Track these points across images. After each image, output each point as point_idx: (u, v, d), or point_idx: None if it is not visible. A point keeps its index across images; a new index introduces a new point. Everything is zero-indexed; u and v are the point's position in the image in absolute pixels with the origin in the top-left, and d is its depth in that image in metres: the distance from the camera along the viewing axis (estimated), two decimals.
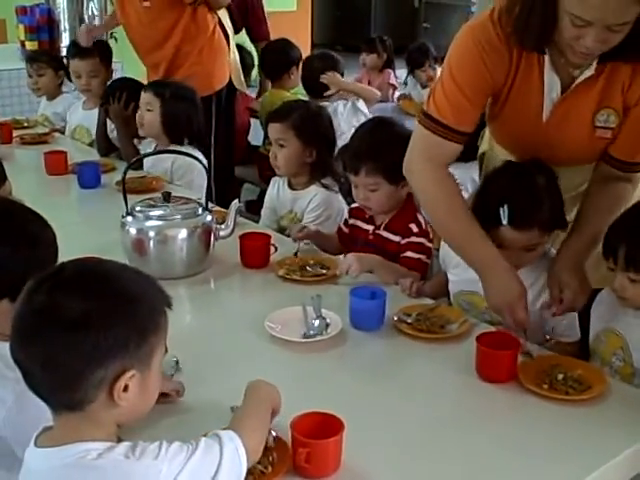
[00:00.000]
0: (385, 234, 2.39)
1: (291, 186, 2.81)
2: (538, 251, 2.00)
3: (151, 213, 2.26)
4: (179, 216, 2.26)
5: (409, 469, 1.45)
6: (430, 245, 2.35)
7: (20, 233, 1.46)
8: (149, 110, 3.14)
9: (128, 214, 2.28)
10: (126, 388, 1.14)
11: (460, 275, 2.14)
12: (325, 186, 2.72)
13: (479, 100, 1.94)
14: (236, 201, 2.37)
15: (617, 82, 1.84)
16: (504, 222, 1.90)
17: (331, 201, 2.71)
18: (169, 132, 3.14)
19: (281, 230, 2.75)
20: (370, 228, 2.43)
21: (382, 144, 2.32)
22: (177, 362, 1.74)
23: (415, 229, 2.34)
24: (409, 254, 2.31)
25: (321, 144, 2.72)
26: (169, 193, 2.32)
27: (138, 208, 2.28)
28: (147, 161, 3.20)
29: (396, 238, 2.36)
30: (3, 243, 1.42)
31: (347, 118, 4.25)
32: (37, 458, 1.16)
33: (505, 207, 1.89)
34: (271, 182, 2.93)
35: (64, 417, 1.16)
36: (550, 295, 1.96)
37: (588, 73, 1.83)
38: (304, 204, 2.73)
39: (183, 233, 2.25)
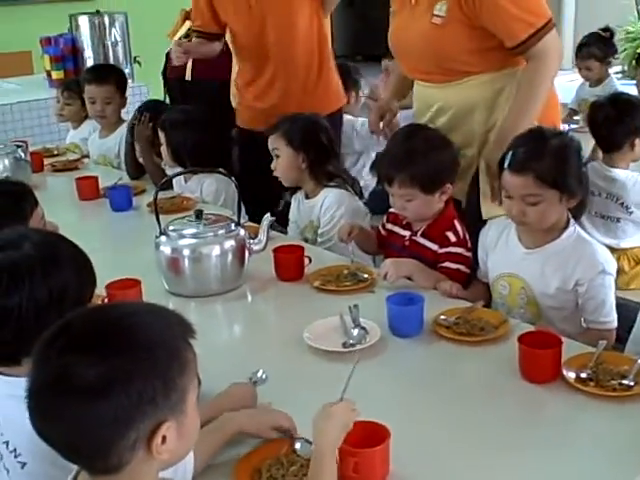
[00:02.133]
0: (421, 241, 2.37)
1: (307, 196, 2.84)
2: (541, 209, 1.99)
3: (184, 232, 2.27)
4: (212, 233, 2.27)
5: (458, 474, 1.43)
6: (469, 255, 2.32)
7: (70, 260, 1.43)
8: (162, 144, 3.18)
9: (162, 234, 2.29)
10: (164, 439, 1.05)
11: (500, 257, 2.16)
12: (335, 186, 2.74)
13: None
14: (268, 215, 2.37)
15: None
16: (505, 165, 2.03)
17: (342, 199, 2.72)
18: (179, 162, 3.15)
19: (306, 242, 2.75)
20: (407, 234, 2.42)
21: (415, 155, 2.29)
22: (263, 374, 1.71)
23: (453, 238, 2.32)
24: (447, 264, 2.29)
25: (310, 149, 2.74)
26: (201, 211, 2.33)
27: (172, 227, 2.29)
28: (176, 189, 3.23)
29: (433, 246, 2.34)
30: (59, 272, 1.39)
31: (363, 138, 3.88)
32: None
33: (510, 153, 2.04)
34: (293, 198, 2.96)
35: (101, 478, 1.08)
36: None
37: None
38: (318, 209, 2.76)
39: (217, 250, 2.26)
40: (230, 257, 2.28)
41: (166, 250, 2.27)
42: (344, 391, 1.45)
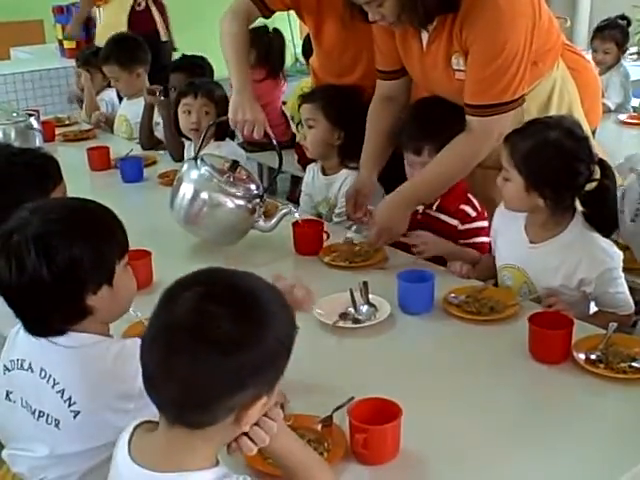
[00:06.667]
0: (438, 215, 2.35)
1: (324, 172, 2.80)
2: (510, 189, 1.98)
3: (210, 171, 2.30)
4: (233, 189, 2.29)
5: (467, 452, 1.43)
6: (487, 225, 2.32)
7: (113, 226, 1.47)
8: (207, 113, 3.06)
9: (195, 159, 2.34)
10: (249, 407, 1.09)
11: (506, 246, 2.14)
12: (355, 168, 2.69)
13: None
14: (291, 207, 2.40)
15: (453, 31, 2.12)
16: None
17: None
18: (219, 132, 3.10)
19: (319, 216, 2.74)
20: (419, 208, 2.38)
21: (443, 122, 2.26)
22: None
23: (472, 213, 2.32)
24: (483, 239, 2.31)
25: (350, 126, 2.66)
26: (237, 162, 2.36)
27: (206, 161, 2.33)
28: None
29: (453, 221, 2.33)
30: (105, 236, 1.43)
31: None
32: (134, 476, 1.12)
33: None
34: (307, 169, 2.92)
35: (175, 432, 1.10)
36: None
37: (434, 24, 2.15)
38: (337, 189, 2.72)
39: (230, 203, 2.28)
40: (236, 216, 2.30)
41: (187, 181, 2.32)
42: None
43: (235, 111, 2.48)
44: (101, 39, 4.45)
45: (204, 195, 2.29)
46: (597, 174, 1.94)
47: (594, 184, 1.94)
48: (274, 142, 2.39)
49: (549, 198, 1.94)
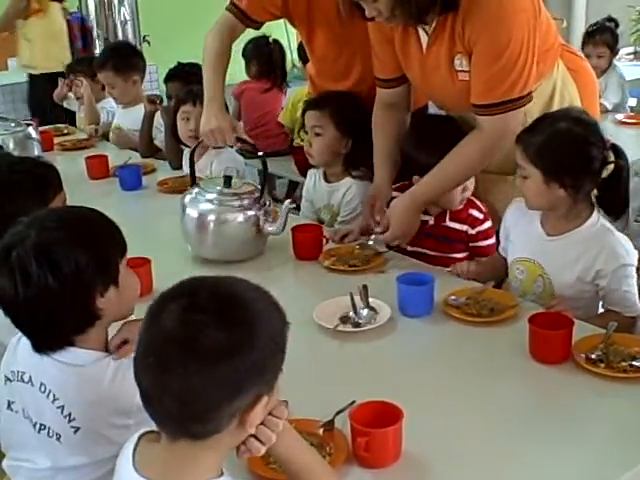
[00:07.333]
0: (448, 224, 2.36)
1: (326, 179, 2.78)
2: (529, 186, 1.97)
3: (210, 193, 2.32)
4: (236, 203, 2.30)
5: (469, 454, 1.43)
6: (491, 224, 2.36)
7: (110, 228, 1.48)
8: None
9: (192, 186, 2.36)
10: (254, 405, 1.09)
11: (521, 240, 2.13)
12: (359, 177, 2.68)
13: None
14: (288, 202, 2.37)
15: (455, 31, 2.10)
16: None
17: (366, 191, 2.64)
18: None
19: (320, 222, 2.74)
20: (428, 218, 2.37)
21: (453, 141, 2.22)
22: None
23: (479, 215, 2.35)
24: (492, 242, 2.34)
25: (358, 135, 2.63)
26: (230, 177, 2.35)
27: (201, 187, 2.34)
28: (185, 168, 3.21)
29: (463, 227, 2.35)
30: (104, 238, 1.43)
31: None
32: None
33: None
34: (308, 174, 2.90)
35: (178, 445, 1.10)
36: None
37: (433, 25, 2.14)
38: (340, 197, 2.71)
39: (235, 219, 2.30)
40: (245, 228, 2.30)
41: (191, 206, 2.33)
42: None
43: (204, 124, 2.48)
44: (45, 50, 4.50)
45: (211, 217, 2.29)
46: (611, 157, 1.95)
47: (611, 168, 1.94)
48: (259, 151, 2.40)
49: (569, 186, 1.93)
